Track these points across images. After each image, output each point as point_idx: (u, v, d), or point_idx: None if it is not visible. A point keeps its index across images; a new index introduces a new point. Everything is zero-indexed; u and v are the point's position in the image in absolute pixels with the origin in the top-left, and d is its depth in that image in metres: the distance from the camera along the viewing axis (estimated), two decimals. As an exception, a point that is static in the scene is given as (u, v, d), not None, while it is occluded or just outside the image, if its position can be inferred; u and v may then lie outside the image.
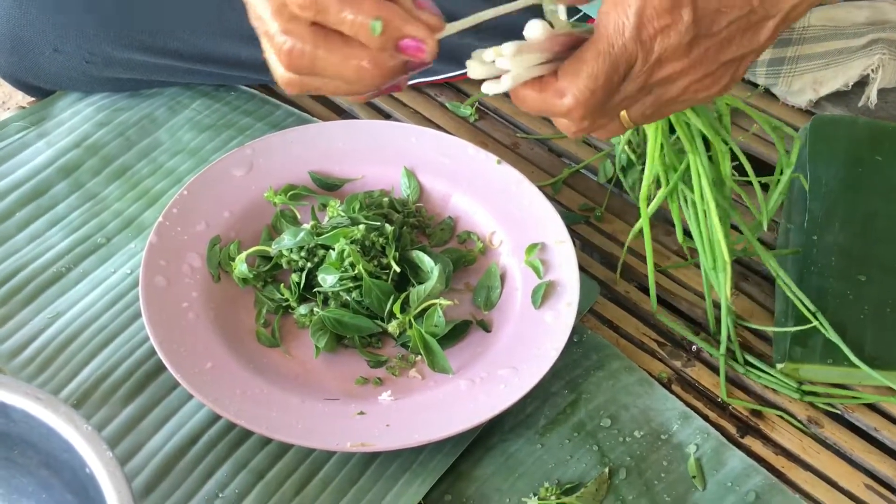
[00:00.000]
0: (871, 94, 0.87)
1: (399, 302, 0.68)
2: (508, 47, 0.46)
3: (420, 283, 0.69)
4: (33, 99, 0.90)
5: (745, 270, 0.76)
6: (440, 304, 0.67)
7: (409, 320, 0.68)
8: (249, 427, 0.60)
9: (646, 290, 0.75)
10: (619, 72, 0.46)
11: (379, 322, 0.68)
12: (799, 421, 0.67)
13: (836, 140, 0.80)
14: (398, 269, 0.68)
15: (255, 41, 0.50)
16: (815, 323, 0.65)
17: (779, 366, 0.68)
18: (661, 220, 0.80)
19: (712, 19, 0.46)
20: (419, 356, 0.67)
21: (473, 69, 0.47)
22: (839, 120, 0.83)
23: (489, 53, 0.46)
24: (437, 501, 0.61)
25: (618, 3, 0.46)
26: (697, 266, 0.76)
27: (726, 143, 0.63)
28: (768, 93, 0.91)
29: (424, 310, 0.68)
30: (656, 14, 0.45)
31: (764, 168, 0.87)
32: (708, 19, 0.46)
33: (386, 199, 0.75)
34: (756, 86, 0.91)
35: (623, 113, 0.50)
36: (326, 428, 0.61)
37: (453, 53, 0.88)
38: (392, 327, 0.68)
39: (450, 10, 0.49)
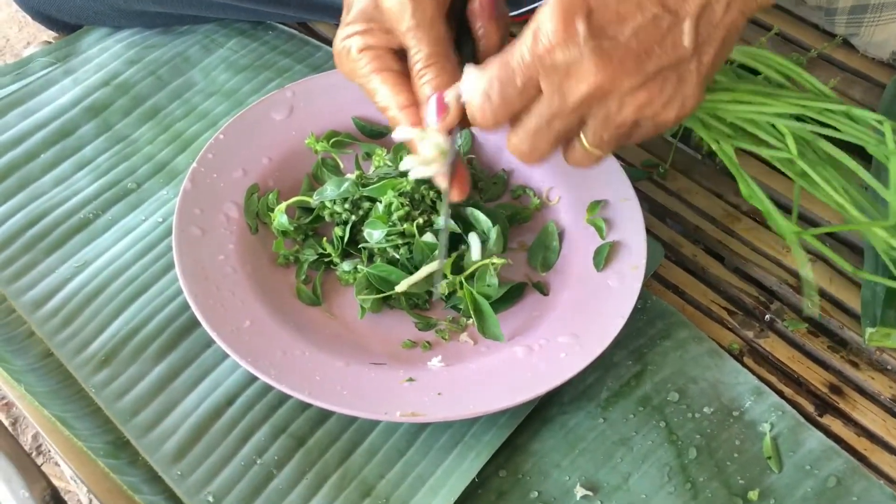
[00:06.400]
0: (963, 48, 0.80)
1: (453, 260, 0.62)
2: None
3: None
4: (58, 35, 0.85)
5: (823, 235, 0.70)
6: (492, 264, 0.62)
7: (461, 281, 0.62)
8: (291, 392, 0.56)
9: (714, 254, 0.70)
10: (515, 83, 0.48)
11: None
12: (882, 400, 0.62)
13: None
14: (457, 229, 0.63)
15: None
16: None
17: (869, 330, 0.62)
18: (732, 178, 0.74)
19: (615, 28, 0.46)
20: (471, 319, 0.62)
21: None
22: None
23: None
24: (491, 477, 0.57)
25: (525, 28, 0.48)
26: (769, 229, 0.70)
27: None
28: (847, 44, 0.84)
29: (475, 269, 0.63)
30: (550, 30, 0.46)
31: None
32: (609, 28, 0.46)
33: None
34: (834, 36, 0.84)
35: (583, 139, 0.51)
36: (373, 395, 0.57)
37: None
38: (442, 288, 0.63)
39: None
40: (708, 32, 0.47)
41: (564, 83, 0.48)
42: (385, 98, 0.55)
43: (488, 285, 0.62)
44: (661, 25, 0.47)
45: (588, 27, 0.46)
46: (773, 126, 0.58)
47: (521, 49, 0.48)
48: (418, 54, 0.53)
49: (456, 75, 0.53)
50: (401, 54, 0.55)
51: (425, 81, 0.53)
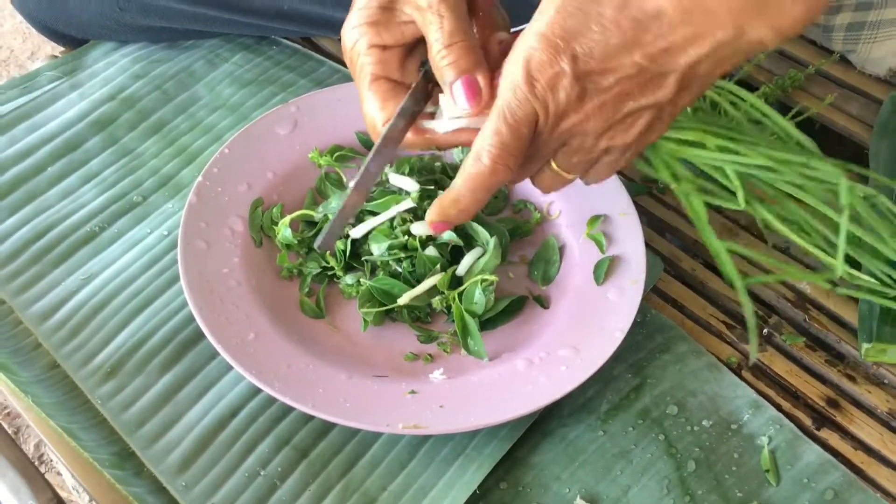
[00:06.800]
0: (959, 65, 0.81)
1: (448, 276, 0.63)
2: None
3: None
4: (64, 49, 0.86)
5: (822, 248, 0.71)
6: (480, 280, 0.62)
7: (455, 296, 0.63)
8: (295, 404, 0.56)
9: (713, 268, 0.71)
10: (523, 124, 0.48)
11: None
12: (879, 414, 0.63)
13: None
14: (459, 242, 0.64)
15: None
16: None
17: (865, 346, 0.63)
18: (731, 192, 0.74)
19: (598, 77, 0.46)
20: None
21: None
22: None
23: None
24: (492, 489, 0.57)
25: (509, 65, 0.47)
26: (768, 243, 0.71)
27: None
28: (844, 60, 0.85)
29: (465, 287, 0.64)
30: (540, 70, 0.46)
31: (842, 142, 0.81)
32: (593, 76, 0.46)
33: (437, 164, 0.70)
34: (831, 52, 0.85)
35: (552, 163, 0.52)
36: (376, 407, 0.57)
37: (506, 11, 0.83)
38: (435, 303, 0.63)
39: None
40: (690, 81, 0.47)
41: (557, 119, 0.48)
42: (371, 109, 0.54)
43: (475, 302, 0.62)
44: (645, 76, 0.46)
45: (573, 72, 0.46)
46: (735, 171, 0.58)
47: (520, 94, 0.47)
48: (439, 31, 0.50)
49: (481, 59, 0.50)
50: (409, 58, 0.55)
51: (448, 63, 0.50)
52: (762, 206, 0.57)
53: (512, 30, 0.84)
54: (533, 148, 0.50)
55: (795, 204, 0.57)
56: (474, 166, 0.49)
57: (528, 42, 0.46)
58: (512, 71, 0.47)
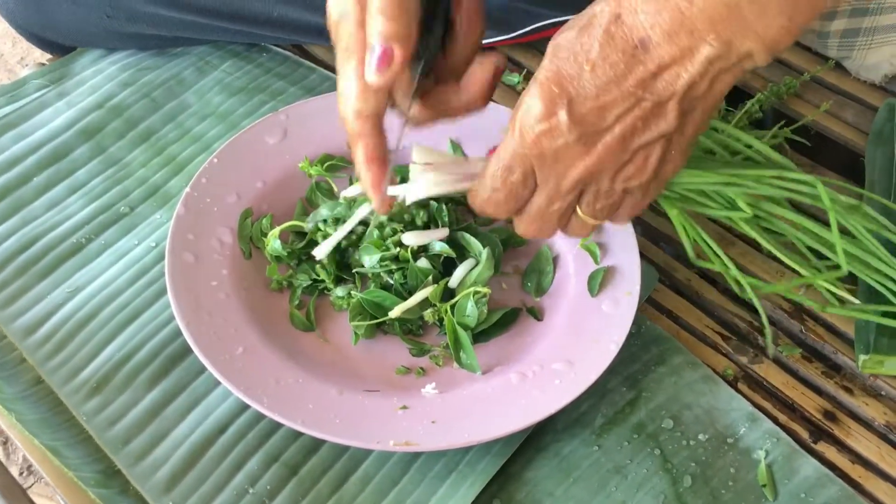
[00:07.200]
0: (955, 71, 0.80)
1: (441, 288, 0.62)
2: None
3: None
4: (52, 56, 0.85)
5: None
6: (473, 293, 0.61)
7: (447, 309, 0.62)
8: (284, 421, 0.55)
9: (708, 278, 0.70)
10: (516, 173, 0.49)
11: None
12: (876, 426, 0.62)
13: None
14: (452, 253, 0.63)
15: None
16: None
17: (862, 357, 0.62)
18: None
19: (597, 116, 0.46)
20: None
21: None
22: None
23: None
24: (485, 505, 0.57)
25: (514, 112, 0.48)
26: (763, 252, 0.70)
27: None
28: (839, 67, 0.84)
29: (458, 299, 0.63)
30: (534, 121, 0.47)
31: (837, 149, 0.81)
32: (591, 116, 0.46)
33: (430, 174, 0.69)
34: (826, 59, 0.84)
35: (578, 211, 0.52)
36: (367, 423, 0.56)
37: (501, 19, 0.82)
38: (427, 315, 0.62)
39: None
40: (692, 105, 0.46)
41: (556, 170, 0.49)
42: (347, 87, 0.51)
43: (467, 315, 0.62)
44: (645, 108, 0.46)
45: (570, 116, 0.46)
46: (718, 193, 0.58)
47: (510, 146, 0.49)
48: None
49: (412, 34, 0.49)
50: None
51: (374, 27, 0.48)
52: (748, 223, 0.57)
53: (496, 38, 0.84)
54: (543, 196, 0.50)
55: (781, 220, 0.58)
56: (472, 200, 0.53)
57: (530, 91, 0.47)
58: (511, 121, 0.48)
